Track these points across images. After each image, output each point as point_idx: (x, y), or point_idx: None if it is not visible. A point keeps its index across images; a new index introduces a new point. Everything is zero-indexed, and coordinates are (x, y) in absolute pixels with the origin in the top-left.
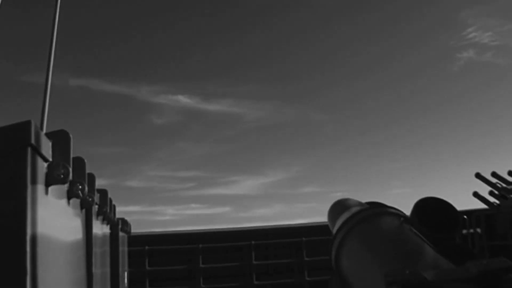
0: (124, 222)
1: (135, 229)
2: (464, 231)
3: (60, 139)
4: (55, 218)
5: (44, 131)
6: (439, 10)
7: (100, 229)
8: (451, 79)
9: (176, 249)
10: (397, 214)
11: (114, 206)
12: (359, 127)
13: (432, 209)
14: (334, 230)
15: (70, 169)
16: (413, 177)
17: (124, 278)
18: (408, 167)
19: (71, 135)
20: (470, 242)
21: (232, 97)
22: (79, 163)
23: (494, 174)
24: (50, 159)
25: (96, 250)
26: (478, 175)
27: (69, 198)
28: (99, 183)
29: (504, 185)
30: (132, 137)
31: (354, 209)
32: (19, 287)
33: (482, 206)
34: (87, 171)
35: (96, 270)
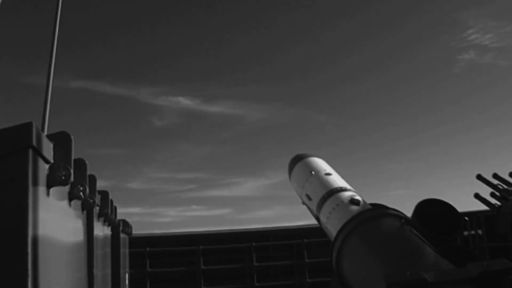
0: (125, 223)
1: (136, 231)
2: (465, 233)
3: (61, 140)
4: (56, 220)
5: (45, 132)
6: (440, 11)
7: (101, 230)
8: (452, 81)
9: (177, 251)
10: (398, 215)
11: (115, 208)
12: (359, 128)
13: (433, 211)
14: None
15: (71, 171)
16: (414, 178)
17: (125, 280)
18: (409, 169)
19: (72, 137)
20: (471, 244)
21: (232, 98)
22: (80, 164)
23: (495, 176)
24: (52, 161)
25: (97, 251)
26: (479, 177)
27: (70, 199)
28: (100, 184)
29: (505, 186)
30: (133, 139)
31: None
32: None
33: (483, 207)
34: (88, 172)
35: (97, 272)
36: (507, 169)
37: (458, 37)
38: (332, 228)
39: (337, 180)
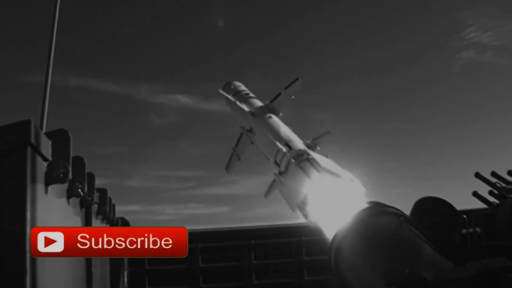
0: (124, 221)
1: None
2: (464, 231)
3: (60, 138)
4: (55, 217)
5: (44, 130)
6: (439, 10)
7: None
8: (450, 79)
9: None
10: (397, 213)
11: (114, 205)
12: (358, 127)
13: (431, 209)
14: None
15: (70, 169)
16: (412, 176)
17: (123, 278)
18: (408, 167)
19: (70, 135)
20: (470, 242)
21: None
22: (79, 162)
23: (493, 174)
24: (50, 158)
25: None
26: (478, 175)
27: (69, 197)
28: (99, 182)
29: (503, 184)
30: (132, 137)
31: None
32: (19, 287)
33: (482, 205)
34: (87, 170)
35: (95, 270)
36: (505, 167)
37: (457, 36)
38: (240, 112)
39: (245, 90)
